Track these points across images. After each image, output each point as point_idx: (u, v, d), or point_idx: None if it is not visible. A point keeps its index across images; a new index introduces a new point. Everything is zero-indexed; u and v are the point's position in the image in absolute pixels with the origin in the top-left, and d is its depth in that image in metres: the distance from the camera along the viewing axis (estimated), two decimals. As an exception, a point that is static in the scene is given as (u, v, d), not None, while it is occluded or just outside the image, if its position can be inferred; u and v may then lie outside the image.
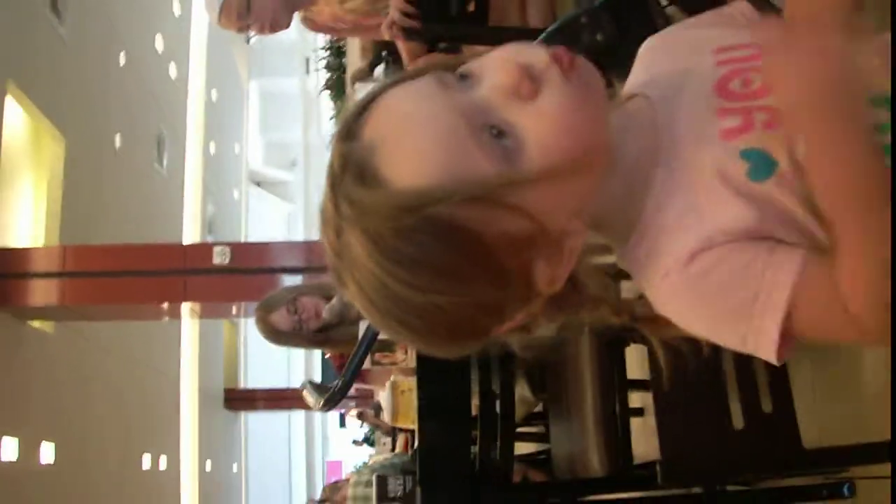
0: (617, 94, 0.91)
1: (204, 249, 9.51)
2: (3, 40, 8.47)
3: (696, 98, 0.85)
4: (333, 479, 6.16)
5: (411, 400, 3.08)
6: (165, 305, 9.72)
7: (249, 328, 18.00)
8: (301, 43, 20.73)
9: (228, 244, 9.15)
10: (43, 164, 9.90)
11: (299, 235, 20.87)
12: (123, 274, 8.51)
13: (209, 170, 17.40)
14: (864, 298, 0.73)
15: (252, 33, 3.00)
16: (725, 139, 0.82)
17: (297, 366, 20.77)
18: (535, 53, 0.79)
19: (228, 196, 19.80)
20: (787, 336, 0.78)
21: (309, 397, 3.22)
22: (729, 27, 0.95)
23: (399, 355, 3.29)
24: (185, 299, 9.04)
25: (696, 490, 2.01)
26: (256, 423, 21.76)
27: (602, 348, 1.99)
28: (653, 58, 0.97)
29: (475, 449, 2.14)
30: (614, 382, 2.01)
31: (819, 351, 2.18)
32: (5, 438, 8.45)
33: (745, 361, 1.73)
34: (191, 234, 15.56)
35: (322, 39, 10.55)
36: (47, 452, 9.34)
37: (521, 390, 2.57)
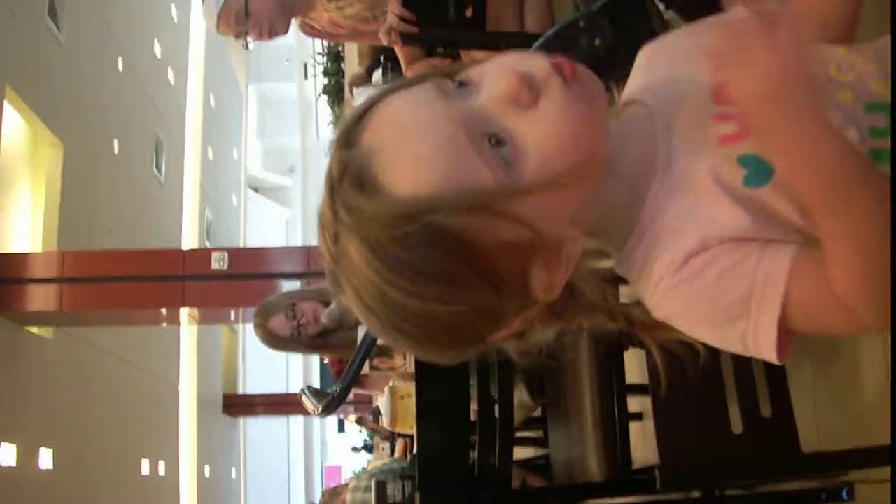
0: (615, 101, 0.91)
1: (202, 255, 9.54)
2: (1, 46, 8.47)
3: (694, 104, 0.86)
4: (332, 485, 6.16)
5: (410, 405, 3.08)
6: (164, 311, 9.72)
7: (248, 334, 17.99)
8: (299, 48, 20.74)
9: (227, 250, 9.17)
10: (41, 169, 9.90)
11: (298, 241, 20.88)
12: (121, 279, 8.51)
13: (207, 175, 17.40)
14: (854, 285, 0.73)
15: (250, 39, 3.00)
16: (723, 145, 0.82)
17: (296, 371, 20.75)
18: (534, 62, 0.79)
19: (227, 201, 19.80)
20: (786, 333, 0.78)
21: (308, 403, 3.22)
22: (727, 33, 0.95)
23: (398, 360, 3.29)
24: (184, 305, 9.04)
25: (695, 494, 2.01)
26: (255, 428, 21.75)
27: (601, 353, 1.99)
28: (651, 64, 0.97)
29: (474, 454, 2.13)
30: (613, 387, 2.01)
31: (819, 354, 2.18)
32: (4, 445, 8.44)
33: (743, 365, 1.73)
34: (189, 240, 15.57)
35: (320, 45, 10.55)
36: (46, 458, 9.33)
37: (520, 395, 2.57)
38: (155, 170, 13.96)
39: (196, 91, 17.11)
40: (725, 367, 1.72)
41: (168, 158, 14.51)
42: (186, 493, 15.32)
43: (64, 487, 9.63)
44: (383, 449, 7.65)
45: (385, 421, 3.43)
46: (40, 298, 8.64)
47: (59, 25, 9.93)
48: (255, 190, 24.58)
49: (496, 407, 2.13)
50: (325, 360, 3.68)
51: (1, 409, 8.44)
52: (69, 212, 10.02)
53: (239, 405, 19.40)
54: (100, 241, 10.75)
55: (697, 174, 0.82)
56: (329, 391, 3.14)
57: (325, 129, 15.56)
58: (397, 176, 0.76)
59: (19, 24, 8.88)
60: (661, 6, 1.61)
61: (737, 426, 1.72)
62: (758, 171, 0.79)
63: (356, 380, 3.01)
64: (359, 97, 3.83)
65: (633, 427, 2.02)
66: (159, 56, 14.44)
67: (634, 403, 2.20)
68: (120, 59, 12.26)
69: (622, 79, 0.98)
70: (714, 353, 0.88)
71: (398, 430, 3.55)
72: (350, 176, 0.78)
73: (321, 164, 0.86)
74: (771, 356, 0.79)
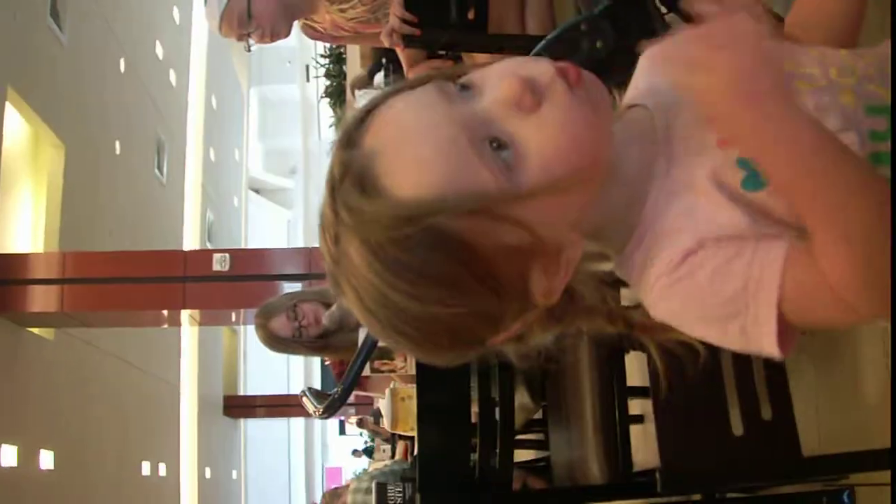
0: (617, 104, 0.92)
1: (204, 256, 9.54)
2: (2, 47, 8.48)
3: (693, 107, 0.86)
4: (333, 486, 6.16)
5: (411, 407, 3.08)
6: (165, 312, 9.73)
7: (249, 335, 18.01)
8: (301, 50, 20.76)
9: (228, 251, 9.18)
10: (42, 170, 9.91)
11: (299, 242, 20.87)
12: (123, 280, 8.52)
13: (209, 177, 17.42)
14: (845, 274, 0.72)
15: (252, 41, 3.01)
16: (722, 147, 0.82)
17: (297, 373, 20.76)
18: (538, 67, 0.79)
19: (228, 203, 19.82)
20: (787, 327, 0.77)
21: (308, 404, 3.22)
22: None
23: (398, 362, 3.30)
24: (185, 306, 9.05)
25: (696, 497, 2.01)
26: (256, 429, 21.75)
27: (602, 356, 1.99)
28: (652, 67, 0.97)
29: (475, 456, 2.13)
30: (614, 390, 2.01)
31: (820, 357, 2.18)
32: (4, 445, 8.44)
33: (744, 368, 1.73)
34: (190, 241, 15.57)
35: (322, 47, 10.56)
36: (46, 459, 9.33)
37: (521, 397, 2.57)
38: (156, 171, 13.97)
39: (198, 92, 17.13)
40: (726, 369, 1.72)
41: (170, 159, 14.52)
42: (187, 495, 15.33)
43: (64, 488, 9.64)
44: (384, 451, 7.66)
45: (386, 423, 3.43)
46: (41, 299, 8.64)
47: (62, 26, 9.94)
48: (257, 191, 24.60)
49: (497, 409, 2.13)
50: (327, 362, 3.68)
51: (2, 410, 8.44)
52: (70, 213, 10.03)
53: (240, 406, 19.41)
54: (101, 242, 10.76)
55: (697, 177, 0.82)
56: (330, 393, 3.14)
57: (326, 131, 15.59)
58: (399, 178, 0.76)
59: (21, 25, 8.89)
60: (663, 9, 1.61)
61: (737, 429, 1.72)
62: (755, 173, 0.79)
63: (357, 381, 3.01)
64: (360, 99, 3.83)
65: (634, 430, 2.02)
66: (161, 57, 14.45)
67: (635, 406, 2.20)
68: (122, 61, 12.27)
69: (624, 82, 0.98)
70: (714, 354, 0.87)
71: (399, 431, 3.56)
72: (351, 177, 0.78)
73: (323, 165, 0.86)
74: (773, 349, 0.78)
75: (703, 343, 0.88)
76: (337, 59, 10.29)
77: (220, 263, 8.53)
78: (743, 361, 1.72)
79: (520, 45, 2.44)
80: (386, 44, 2.62)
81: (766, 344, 0.78)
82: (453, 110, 0.78)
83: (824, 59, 0.88)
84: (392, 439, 6.61)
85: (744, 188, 0.80)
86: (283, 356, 4.78)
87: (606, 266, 0.90)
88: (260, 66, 23.89)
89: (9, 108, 8.76)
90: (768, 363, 1.74)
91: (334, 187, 0.79)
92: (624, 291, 0.95)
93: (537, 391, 2.61)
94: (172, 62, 15.13)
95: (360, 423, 9.05)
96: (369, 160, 0.78)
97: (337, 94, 10.31)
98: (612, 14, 1.47)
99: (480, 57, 2.71)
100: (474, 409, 2.14)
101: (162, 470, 13.79)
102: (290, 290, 3.82)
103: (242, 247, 19.09)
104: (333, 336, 3.13)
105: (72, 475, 9.88)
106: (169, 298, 8.83)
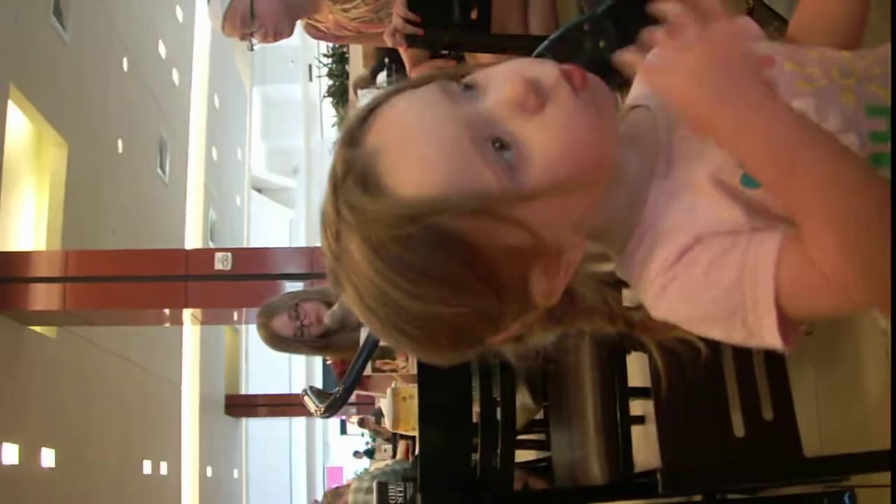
0: (620, 106, 0.92)
1: (206, 255, 9.54)
2: (5, 45, 8.49)
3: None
4: (334, 485, 6.17)
5: (412, 406, 3.08)
6: (167, 311, 9.73)
7: (251, 334, 18.00)
8: (304, 50, 20.76)
9: (230, 250, 9.18)
10: (45, 168, 9.92)
11: (301, 242, 20.88)
12: (125, 279, 8.52)
13: (211, 176, 17.42)
14: (834, 261, 0.72)
15: (255, 40, 3.01)
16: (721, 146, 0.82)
17: (299, 372, 20.77)
18: (542, 68, 0.80)
19: (230, 202, 19.82)
20: (787, 320, 0.77)
21: (310, 403, 3.22)
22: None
23: (400, 362, 3.30)
24: (187, 305, 9.06)
25: (697, 498, 2.01)
26: (257, 429, 21.75)
27: (603, 356, 1.99)
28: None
29: (476, 456, 2.13)
30: (615, 390, 2.01)
31: (821, 357, 2.18)
32: (6, 444, 8.45)
33: (745, 368, 1.73)
34: (193, 240, 15.58)
35: (325, 46, 10.56)
36: (48, 457, 9.34)
37: (522, 397, 2.57)
38: (159, 170, 13.98)
39: (200, 92, 17.13)
40: (727, 370, 1.72)
41: (172, 159, 14.53)
42: (188, 494, 15.33)
43: (66, 487, 9.65)
44: (385, 450, 7.65)
45: (387, 422, 3.43)
46: (44, 297, 8.65)
47: (65, 25, 9.94)
48: (259, 191, 24.61)
49: (498, 409, 2.13)
50: (328, 361, 3.68)
51: (3, 408, 8.45)
52: (73, 211, 10.04)
53: (241, 405, 19.40)
54: (103, 240, 10.76)
55: (697, 177, 0.82)
56: (331, 392, 3.15)
57: (329, 131, 15.59)
58: (401, 177, 0.76)
59: (24, 24, 8.89)
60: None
61: (739, 430, 1.72)
62: None
63: (358, 381, 3.02)
64: (363, 99, 3.83)
65: (636, 430, 2.02)
66: (164, 56, 14.46)
67: (636, 407, 2.20)
68: (125, 60, 12.28)
69: (626, 82, 0.98)
70: (715, 354, 0.87)
71: (400, 431, 3.56)
72: (354, 175, 0.78)
73: (325, 165, 0.86)
74: (775, 340, 0.77)
75: (705, 341, 0.88)
76: (340, 58, 10.29)
77: (222, 262, 8.54)
78: (744, 362, 1.72)
79: (522, 44, 2.44)
80: (389, 43, 2.63)
81: (768, 336, 0.78)
82: (456, 110, 0.78)
83: (825, 59, 0.88)
84: (393, 439, 6.60)
85: (743, 185, 0.80)
86: (284, 355, 4.77)
87: (607, 267, 0.90)
88: (263, 66, 23.90)
89: (11, 107, 8.77)
90: (769, 363, 1.74)
91: (336, 185, 0.79)
92: (625, 292, 0.95)
93: (539, 391, 2.61)
94: (175, 61, 15.14)
95: (362, 423, 9.04)
96: (372, 159, 0.78)
97: (340, 94, 10.32)
98: (615, 14, 1.47)
99: (483, 57, 2.71)
100: (476, 409, 2.14)
101: (163, 469, 13.80)
102: (292, 290, 3.82)
103: (244, 246, 19.10)
104: (335, 335, 3.14)
105: (73, 473, 9.89)
106: (171, 297, 8.84)
